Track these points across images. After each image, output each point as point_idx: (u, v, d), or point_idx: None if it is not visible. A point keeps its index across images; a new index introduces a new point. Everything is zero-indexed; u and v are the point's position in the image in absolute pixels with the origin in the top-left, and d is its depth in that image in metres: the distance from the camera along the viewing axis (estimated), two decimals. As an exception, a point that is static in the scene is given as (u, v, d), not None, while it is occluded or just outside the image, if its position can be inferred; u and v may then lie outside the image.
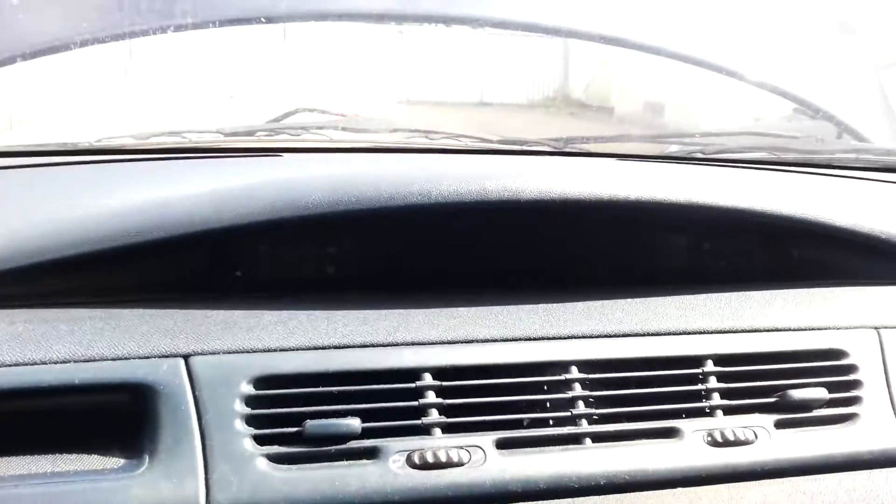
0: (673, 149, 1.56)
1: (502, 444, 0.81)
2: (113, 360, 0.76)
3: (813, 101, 1.69)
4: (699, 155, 1.48)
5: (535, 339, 0.88)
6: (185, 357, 0.78)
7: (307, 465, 0.76)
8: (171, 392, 0.75)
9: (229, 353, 0.79)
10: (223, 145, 1.37)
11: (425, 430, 0.80)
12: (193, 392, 0.76)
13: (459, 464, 0.78)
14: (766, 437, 0.87)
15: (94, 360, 0.76)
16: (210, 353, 0.79)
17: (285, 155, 1.33)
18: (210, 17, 1.56)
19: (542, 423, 0.84)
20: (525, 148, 1.49)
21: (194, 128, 1.42)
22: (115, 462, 0.74)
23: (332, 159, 1.39)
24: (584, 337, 0.90)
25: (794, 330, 0.95)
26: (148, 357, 0.77)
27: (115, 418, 0.76)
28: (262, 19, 1.60)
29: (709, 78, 1.73)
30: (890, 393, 0.93)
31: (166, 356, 0.78)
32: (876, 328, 0.97)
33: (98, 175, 1.15)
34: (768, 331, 0.94)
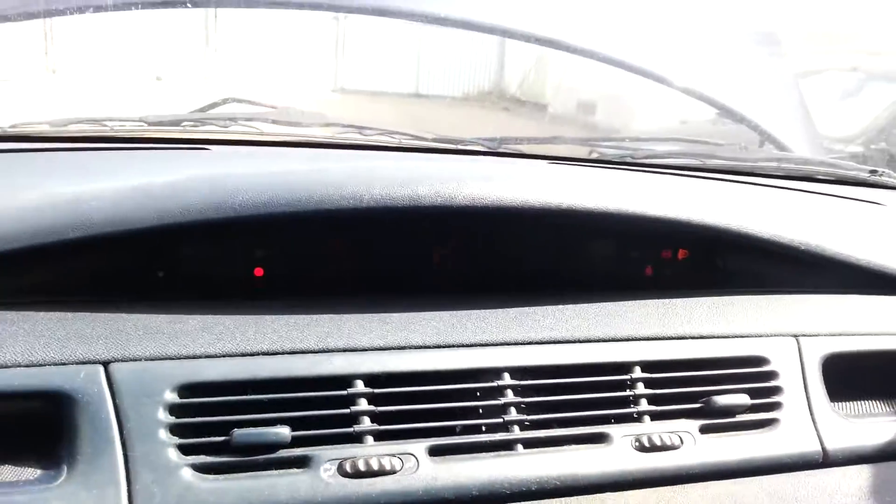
0: (604, 152, 1.58)
1: (435, 452, 0.81)
2: (27, 366, 0.72)
3: (738, 109, 1.75)
4: (629, 160, 1.51)
5: (468, 345, 0.88)
6: (105, 364, 0.75)
7: (234, 475, 0.74)
8: (90, 400, 0.72)
9: (151, 359, 0.76)
10: (147, 135, 1.31)
11: (357, 438, 0.79)
12: (114, 400, 0.73)
13: (392, 471, 0.78)
14: (691, 442, 0.89)
15: (7, 367, 0.72)
16: (131, 360, 0.75)
17: (213, 147, 1.29)
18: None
19: (475, 429, 0.84)
20: (459, 147, 1.49)
21: (118, 115, 1.36)
22: (31, 473, 0.71)
23: (262, 153, 1.35)
24: (516, 344, 0.90)
25: (718, 337, 0.98)
26: (65, 364, 0.74)
27: (31, 428, 0.72)
28: (189, 4, 1.54)
29: (640, 83, 1.77)
30: (808, 398, 0.97)
31: (84, 363, 0.74)
32: (795, 335, 1.01)
33: (11, 164, 1.09)
34: (693, 338, 0.97)
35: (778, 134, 1.71)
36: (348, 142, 1.47)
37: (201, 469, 0.73)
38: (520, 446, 0.84)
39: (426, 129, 1.53)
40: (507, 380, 0.87)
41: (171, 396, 0.75)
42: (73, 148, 1.19)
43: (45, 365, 0.73)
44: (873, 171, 1.51)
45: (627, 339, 0.95)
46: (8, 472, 0.71)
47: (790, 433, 0.94)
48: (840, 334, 1.03)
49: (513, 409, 0.86)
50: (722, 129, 1.88)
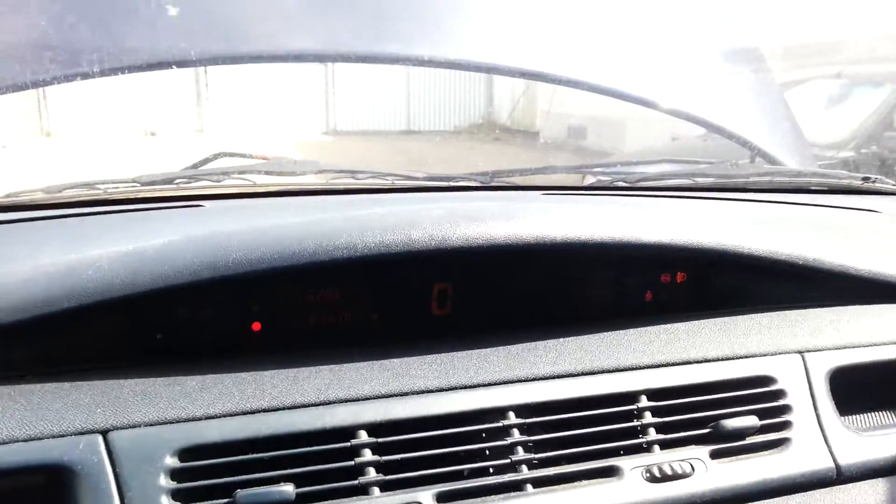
0: (595, 179, 1.59)
1: (443, 498, 0.80)
2: (25, 440, 0.72)
3: (727, 126, 1.75)
4: (621, 184, 1.51)
5: (471, 386, 0.88)
6: (104, 433, 0.74)
7: None
8: (90, 472, 0.72)
9: (151, 424, 0.76)
10: (141, 195, 1.32)
11: (363, 490, 0.78)
12: (114, 469, 0.72)
13: None
14: (702, 469, 0.88)
15: (4, 443, 0.71)
16: (130, 427, 0.75)
17: (206, 203, 1.29)
18: (130, 61, 1.51)
19: (483, 472, 0.83)
20: (452, 184, 1.50)
21: (112, 175, 1.37)
22: None
23: (256, 206, 1.35)
24: (519, 381, 0.89)
25: (722, 359, 0.97)
26: (63, 435, 0.73)
27: (32, 501, 0.72)
28: (174, 65, 1.55)
29: (628, 107, 1.78)
30: (817, 415, 0.96)
31: (83, 433, 0.74)
32: (800, 352, 1.00)
33: (6, 236, 1.10)
34: (697, 362, 0.96)
35: (768, 148, 1.72)
36: (342, 187, 1.48)
37: None
38: (529, 486, 0.83)
39: (419, 167, 1.54)
40: (512, 419, 0.86)
41: (172, 461, 0.74)
42: (68, 214, 1.19)
43: (43, 438, 0.72)
44: (866, 179, 1.50)
45: (632, 369, 0.94)
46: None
47: (802, 452, 0.93)
48: (845, 347, 1.02)
49: (520, 449, 0.85)
50: (712, 146, 1.89)
